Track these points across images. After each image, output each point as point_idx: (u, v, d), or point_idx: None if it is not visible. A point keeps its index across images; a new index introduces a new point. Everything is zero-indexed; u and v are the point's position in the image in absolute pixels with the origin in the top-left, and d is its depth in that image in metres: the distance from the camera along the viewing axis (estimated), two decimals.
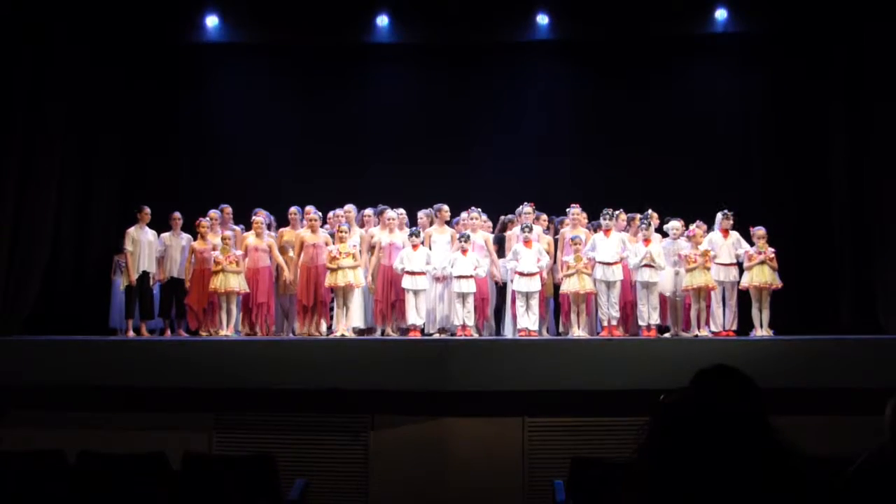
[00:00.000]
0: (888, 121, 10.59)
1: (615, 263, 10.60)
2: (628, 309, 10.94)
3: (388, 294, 11.07)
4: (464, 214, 11.57)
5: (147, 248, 11.12)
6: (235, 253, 10.82)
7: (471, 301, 10.66)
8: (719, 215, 10.87)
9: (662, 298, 10.71)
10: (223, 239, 10.93)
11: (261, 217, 11.30)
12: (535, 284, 10.59)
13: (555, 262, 11.21)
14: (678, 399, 2.06)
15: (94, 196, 12.40)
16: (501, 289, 11.35)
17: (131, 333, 10.96)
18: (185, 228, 11.46)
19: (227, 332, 10.69)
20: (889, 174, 10.60)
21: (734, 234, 10.80)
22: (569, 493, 6.14)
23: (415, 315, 10.66)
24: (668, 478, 1.95)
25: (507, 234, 11.44)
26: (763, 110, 13.23)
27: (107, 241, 12.15)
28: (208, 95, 13.75)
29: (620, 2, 12.54)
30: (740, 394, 2.04)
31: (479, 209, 11.61)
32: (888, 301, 10.55)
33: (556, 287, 11.21)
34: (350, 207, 11.68)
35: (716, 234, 10.80)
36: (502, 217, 11.85)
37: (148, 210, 11.25)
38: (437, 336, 10.78)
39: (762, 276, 10.41)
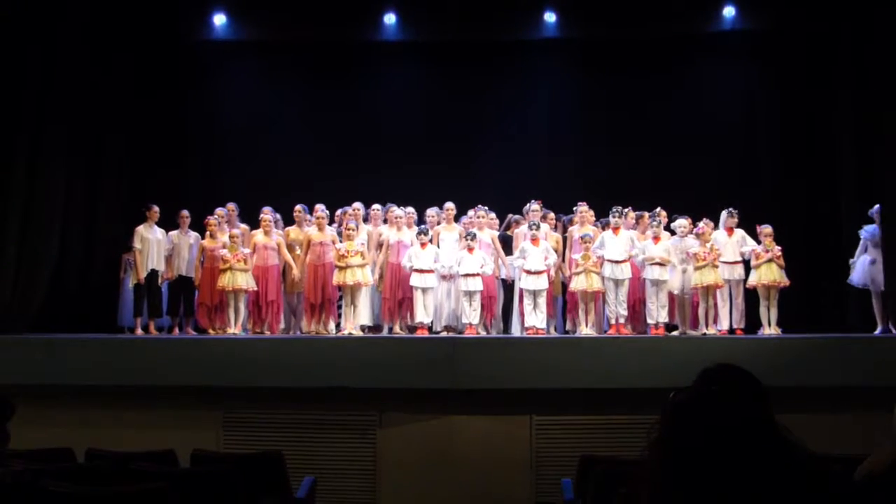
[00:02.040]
0: None
1: (624, 261, 10.60)
2: (636, 307, 10.94)
3: (396, 292, 11.09)
4: (471, 212, 11.59)
5: (156, 247, 11.16)
6: (243, 251, 10.84)
7: (477, 299, 10.67)
8: (724, 213, 10.88)
9: (670, 297, 10.70)
10: (231, 237, 10.95)
11: (269, 215, 11.32)
12: (542, 282, 10.59)
13: (563, 259, 11.22)
14: (685, 398, 2.06)
15: (101, 194, 12.41)
16: (509, 287, 11.36)
17: (140, 331, 11.00)
18: (192, 226, 11.49)
19: (235, 330, 10.71)
20: None
21: (739, 232, 10.81)
22: (577, 491, 6.13)
23: (423, 313, 10.67)
24: (677, 476, 1.95)
25: (516, 232, 11.45)
26: (770, 108, 13.21)
27: (115, 240, 12.16)
28: (215, 93, 13.78)
29: (628, 0, 12.53)
30: (742, 392, 2.04)
31: (486, 207, 11.63)
32: None
33: (564, 285, 11.22)
34: (358, 205, 11.72)
35: (720, 233, 10.80)
36: (509, 215, 11.85)
37: (156, 208, 11.30)
38: (444, 334, 10.79)
39: (770, 274, 10.40)
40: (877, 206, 10.61)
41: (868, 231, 10.68)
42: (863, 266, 10.65)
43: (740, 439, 1.94)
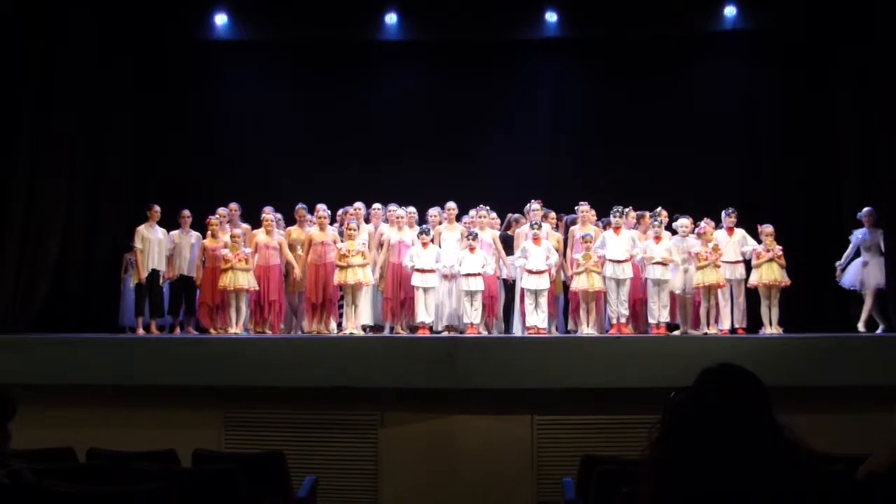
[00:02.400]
0: None
1: (625, 261, 10.60)
2: (637, 306, 10.94)
3: (398, 292, 11.09)
4: (472, 212, 11.60)
5: (157, 246, 11.18)
6: (244, 251, 10.85)
7: (478, 299, 10.68)
8: (723, 213, 10.90)
9: (672, 296, 10.71)
10: (233, 237, 10.97)
11: (270, 215, 11.33)
12: (543, 282, 10.60)
13: (565, 258, 11.23)
14: (685, 397, 2.06)
15: (103, 194, 12.42)
16: (510, 286, 11.36)
17: (141, 331, 11.00)
18: (194, 226, 11.49)
19: (236, 329, 10.72)
20: None
21: (739, 232, 10.84)
22: (578, 490, 6.12)
23: (424, 312, 10.68)
24: (678, 475, 1.94)
25: (517, 231, 11.45)
26: (771, 107, 13.20)
27: (117, 239, 12.18)
28: (217, 93, 13.78)
29: (629, 0, 12.53)
30: (743, 392, 2.04)
31: (488, 207, 11.64)
32: None
33: (566, 285, 11.22)
34: (359, 205, 11.73)
35: (721, 233, 10.82)
36: (509, 215, 11.85)
37: (158, 208, 11.31)
38: (445, 333, 10.79)
39: (771, 273, 10.41)
40: (866, 210, 10.70)
41: (858, 235, 10.76)
42: (855, 268, 10.77)
43: (741, 439, 1.94)
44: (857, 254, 10.91)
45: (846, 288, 10.98)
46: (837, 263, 11.04)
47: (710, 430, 1.96)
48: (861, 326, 10.62)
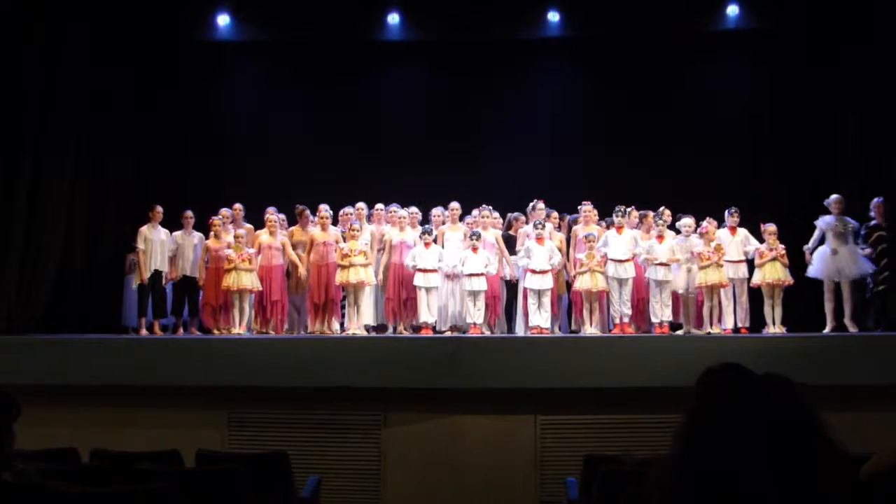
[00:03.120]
0: None
1: (627, 261, 10.61)
2: (640, 306, 10.94)
3: (400, 292, 11.09)
4: (475, 212, 11.60)
5: (159, 247, 11.19)
6: (248, 251, 10.85)
7: (481, 299, 10.68)
8: (727, 213, 10.90)
9: (675, 296, 10.70)
10: (236, 237, 10.98)
11: (274, 215, 11.34)
12: (547, 282, 10.60)
13: (567, 258, 11.23)
14: (693, 396, 2.06)
15: (106, 195, 12.44)
16: (513, 286, 11.36)
17: (144, 332, 11.01)
18: (196, 227, 11.50)
19: (239, 330, 10.73)
20: None
21: (742, 231, 10.83)
22: (582, 490, 6.12)
23: (427, 313, 10.68)
24: (687, 472, 1.95)
25: (520, 231, 11.45)
26: (773, 107, 13.20)
27: (119, 240, 12.19)
28: (219, 94, 13.81)
29: None
30: (744, 391, 2.04)
31: (490, 207, 11.63)
32: None
33: (569, 284, 11.22)
34: (361, 205, 11.73)
35: (724, 232, 10.81)
36: (509, 214, 11.85)
37: (160, 209, 11.32)
38: (448, 334, 10.79)
39: (774, 272, 10.41)
40: (833, 197, 10.61)
41: (826, 221, 10.62)
42: (821, 257, 10.60)
43: (741, 438, 1.94)
44: (822, 241, 10.76)
45: (811, 277, 10.77)
46: (805, 247, 10.83)
47: (712, 430, 1.96)
48: (848, 322, 10.45)
